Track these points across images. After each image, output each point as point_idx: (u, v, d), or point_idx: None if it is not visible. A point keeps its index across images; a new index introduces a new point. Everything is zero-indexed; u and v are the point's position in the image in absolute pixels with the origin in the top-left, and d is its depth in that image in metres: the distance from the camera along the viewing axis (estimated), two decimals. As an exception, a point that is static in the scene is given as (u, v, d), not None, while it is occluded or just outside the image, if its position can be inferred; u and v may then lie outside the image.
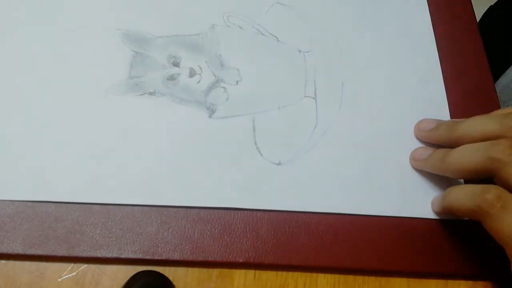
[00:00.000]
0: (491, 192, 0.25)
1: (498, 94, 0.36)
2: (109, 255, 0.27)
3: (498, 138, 0.26)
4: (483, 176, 0.26)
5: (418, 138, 0.33)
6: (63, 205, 0.28)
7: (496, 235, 0.25)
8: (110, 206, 0.28)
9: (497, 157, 0.25)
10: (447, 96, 0.35)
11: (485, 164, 0.26)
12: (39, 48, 0.34)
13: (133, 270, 0.26)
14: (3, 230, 0.27)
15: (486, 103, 0.35)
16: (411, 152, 0.32)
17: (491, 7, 0.66)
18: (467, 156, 0.27)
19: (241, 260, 0.28)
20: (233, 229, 0.28)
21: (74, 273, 0.27)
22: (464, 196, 0.26)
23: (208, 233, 0.28)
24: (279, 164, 0.31)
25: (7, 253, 0.27)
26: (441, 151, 0.30)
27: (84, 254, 0.27)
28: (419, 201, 0.30)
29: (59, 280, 0.27)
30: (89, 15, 0.36)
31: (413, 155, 0.32)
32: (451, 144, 0.29)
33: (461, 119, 0.31)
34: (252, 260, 0.28)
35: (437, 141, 0.31)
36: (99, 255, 0.27)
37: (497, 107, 0.35)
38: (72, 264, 0.27)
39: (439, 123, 0.32)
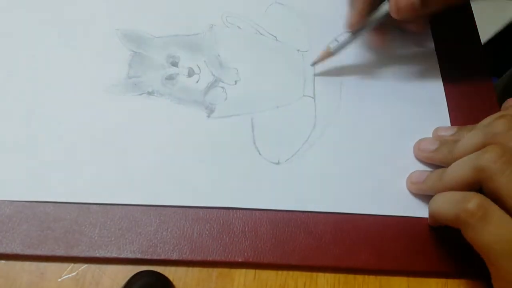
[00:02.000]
0: (471, 201, 0.24)
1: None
2: (108, 255, 0.27)
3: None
4: (476, 188, 0.26)
5: (418, 159, 0.32)
6: (61, 205, 0.28)
7: (475, 245, 0.24)
8: (109, 206, 0.28)
9: (484, 166, 0.25)
10: (446, 95, 0.35)
11: (474, 175, 0.25)
12: (38, 48, 0.34)
13: (133, 270, 0.26)
14: (2, 230, 0.27)
15: (485, 102, 0.35)
16: (408, 176, 0.31)
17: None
18: (458, 171, 0.27)
19: (240, 260, 0.27)
20: (232, 229, 0.28)
21: (74, 273, 0.27)
22: (445, 203, 0.26)
23: (207, 232, 0.28)
24: (278, 163, 0.31)
25: (6, 253, 0.27)
26: (438, 171, 0.29)
27: (83, 254, 0.27)
28: (418, 200, 0.30)
29: (59, 280, 0.27)
30: (88, 15, 0.36)
31: (411, 179, 0.31)
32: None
33: (459, 136, 0.31)
34: (251, 260, 0.28)
35: (439, 162, 0.31)
36: (98, 255, 0.27)
37: (496, 106, 0.35)
38: (72, 264, 0.27)
39: (440, 144, 0.31)
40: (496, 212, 0.24)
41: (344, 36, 0.34)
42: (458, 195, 0.25)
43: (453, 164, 0.27)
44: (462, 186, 0.26)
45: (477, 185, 0.26)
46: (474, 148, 0.27)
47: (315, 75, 0.35)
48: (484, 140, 0.27)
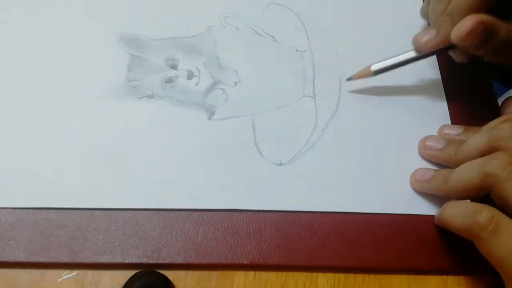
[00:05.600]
0: (482, 214, 0.24)
1: None
2: (112, 260, 0.27)
3: (491, 152, 0.26)
4: (483, 193, 0.26)
5: (422, 157, 0.32)
6: (64, 211, 0.28)
7: (488, 257, 0.24)
8: (112, 211, 0.28)
9: (492, 172, 0.25)
10: (446, 95, 0.35)
11: (482, 181, 0.25)
12: (37, 52, 0.34)
13: (134, 271, 0.26)
14: (5, 238, 0.27)
15: (485, 101, 0.35)
16: (412, 173, 0.31)
17: None
18: (464, 175, 0.26)
19: (245, 262, 0.27)
20: (237, 231, 0.28)
21: (74, 273, 0.27)
22: (457, 215, 0.26)
23: (212, 235, 0.28)
24: (280, 164, 0.31)
25: (9, 261, 0.27)
26: (444, 172, 0.29)
27: (87, 260, 0.27)
28: (419, 198, 0.31)
29: (59, 280, 0.27)
30: (86, 19, 0.35)
31: (415, 176, 0.31)
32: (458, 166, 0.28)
33: (466, 137, 0.31)
34: (256, 262, 0.28)
35: (444, 162, 0.31)
36: (102, 260, 0.27)
37: (496, 105, 0.35)
38: (73, 264, 0.27)
39: (446, 144, 0.31)
40: (508, 224, 0.24)
41: (392, 60, 0.33)
42: (469, 206, 0.25)
43: (459, 167, 0.27)
44: (469, 190, 0.26)
45: (484, 190, 0.26)
46: (479, 151, 0.27)
47: (314, 74, 0.35)
48: (489, 143, 0.27)
